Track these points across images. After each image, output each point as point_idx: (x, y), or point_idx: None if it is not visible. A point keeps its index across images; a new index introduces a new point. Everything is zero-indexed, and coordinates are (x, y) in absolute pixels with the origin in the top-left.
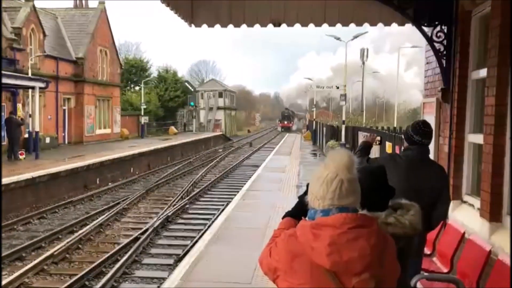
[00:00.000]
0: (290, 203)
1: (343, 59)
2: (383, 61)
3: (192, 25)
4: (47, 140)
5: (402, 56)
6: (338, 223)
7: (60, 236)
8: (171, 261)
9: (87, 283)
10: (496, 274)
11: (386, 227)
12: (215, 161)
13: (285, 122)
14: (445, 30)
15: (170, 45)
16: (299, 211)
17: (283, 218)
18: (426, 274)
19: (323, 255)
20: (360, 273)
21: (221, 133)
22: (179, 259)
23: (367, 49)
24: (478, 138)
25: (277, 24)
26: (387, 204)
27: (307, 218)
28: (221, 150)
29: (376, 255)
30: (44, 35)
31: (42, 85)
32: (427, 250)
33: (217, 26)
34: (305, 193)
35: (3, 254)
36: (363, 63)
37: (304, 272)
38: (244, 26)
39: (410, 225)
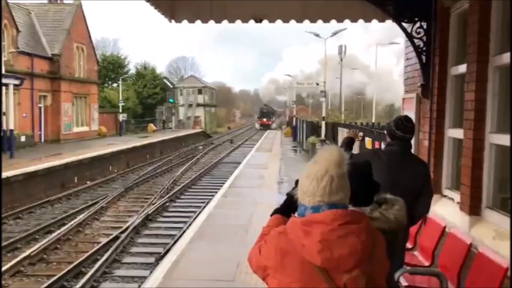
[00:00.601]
0: (272, 199)
1: (332, 51)
2: (380, 55)
3: (172, 20)
4: (23, 138)
5: (393, 51)
6: (328, 220)
7: (37, 237)
8: (152, 259)
9: (65, 283)
10: (476, 267)
11: (371, 222)
12: (196, 158)
13: (264, 120)
14: (425, 27)
15: (148, 42)
16: (288, 207)
17: (271, 215)
18: (408, 268)
19: (314, 252)
20: (351, 270)
21: (201, 130)
22: (160, 257)
23: (345, 46)
24: (458, 133)
25: (258, 20)
26: (372, 199)
27: (296, 215)
28: (201, 147)
29: (366, 251)
30: (18, 30)
31: (16, 82)
32: (408, 244)
33: (198, 22)
34: (293, 189)
35: None
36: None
37: (294, 270)
38: (225, 22)
39: (395, 220)
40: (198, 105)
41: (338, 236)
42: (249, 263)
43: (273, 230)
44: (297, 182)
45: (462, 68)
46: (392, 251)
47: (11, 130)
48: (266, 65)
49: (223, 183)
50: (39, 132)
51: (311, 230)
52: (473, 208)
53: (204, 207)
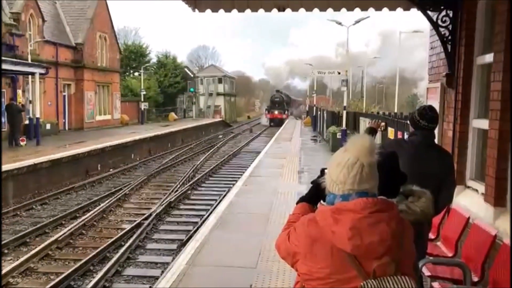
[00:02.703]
0: (292, 188)
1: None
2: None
3: (196, 10)
4: (48, 126)
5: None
6: (359, 208)
7: (63, 222)
8: (174, 246)
9: (91, 268)
10: (501, 258)
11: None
12: (216, 147)
13: (276, 112)
14: (451, 15)
15: (169, 31)
16: (314, 196)
17: (297, 203)
18: (431, 258)
19: (344, 239)
20: (380, 257)
21: (221, 119)
22: (183, 244)
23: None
24: (483, 124)
25: (281, 9)
26: (399, 190)
27: (325, 203)
28: (221, 136)
29: (396, 239)
30: (43, 20)
31: (42, 71)
32: (431, 235)
33: (221, 11)
34: (318, 178)
35: (7, 240)
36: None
37: (324, 256)
38: (248, 11)
39: (421, 212)
40: (218, 94)
41: (368, 224)
42: (277, 249)
43: (302, 218)
44: (322, 171)
45: (489, 58)
46: (417, 242)
47: (37, 118)
48: (286, 54)
49: (243, 172)
50: (63, 120)
51: (341, 217)
52: (498, 199)
53: (225, 195)
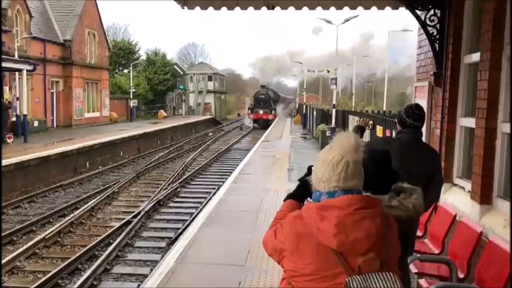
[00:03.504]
0: (282, 186)
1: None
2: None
3: (185, 7)
4: (36, 123)
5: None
6: (344, 205)
7: (51, 220)
8: (163, 244)
9: (80, 266)
10: (486, 255)
11: (389, 210)
12: (206, 144)
13: (261, 112)
14: (438, 14)
15: (159, 28)
16: (301, 193)
17: (284, 200)
18: (418, 255)
19: (330, 236)
20: (365, 253)
21: (211, 116)
22: (172, 242)
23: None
24: (470, 122)
25: (270, 7)
26: (391, 187)
27: (311, 200)
28: (211, 133)
29: (380, 235)
30: (31, 16)
31: (30, 67)
32: (418, 232)
33: (210, 8)
34: (306, 175)
35: None
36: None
37: (310, 253)
38: (237, 9)
39: (413, 209)
40: (208, 91)
41: (354, 220)
42: (264, 246)
43: (288, 215)
44: (309, 168)
45: (476, 57)
46: (409, 239)
47: (25, 115)
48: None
49: (233, 169)
50: (52, 117)
51: (327, 214)
52: (484, 197)
53: (215, 192)
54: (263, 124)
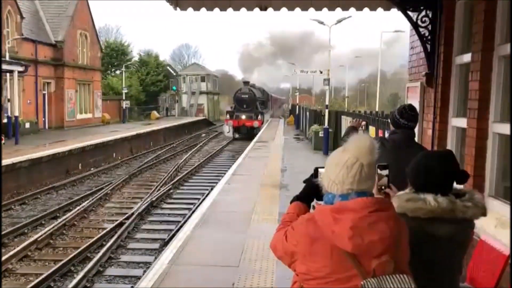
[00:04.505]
0: (275, 187)
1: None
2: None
3: (177, 8)
4: (27, 125)
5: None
6: (358, 207)
7: (43, 222)
8: (156, 245)
9: (72, 268)
10: (478, 254)
11: (466, 210)
12: (199, 145)
13: (243, 117)
14: (430, 15)
15: (152, 29)
16: (308, 195)
17: (291, 202)
18: None
19: (345, 238)
20: (380, 255)
21: (204, 117)
22: (165, 243)
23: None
24: (462, 122)
25: (263, 8)
26: (451, 188)
27: (323, 203)
28: (204, 134)
29: (394, 237)
30: (22, 17)
31: (21, 69)
32: None
33: (203, 9)
34: (311, 177)
35: None
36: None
37: (323, 256)
38: (230, 9)
39: (483, 207)
40: (201, 92)
41: (369, 223)
42: (273, 249)
43: (300, 217)
44: (316, 170)
45: (467, 57)
46: (467, 242)
47: (16, 117)
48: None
49: (227, 170)
50: (43, 119)
51: (341, 217)
52: None
53: (208, 193)
54: (246, 134)
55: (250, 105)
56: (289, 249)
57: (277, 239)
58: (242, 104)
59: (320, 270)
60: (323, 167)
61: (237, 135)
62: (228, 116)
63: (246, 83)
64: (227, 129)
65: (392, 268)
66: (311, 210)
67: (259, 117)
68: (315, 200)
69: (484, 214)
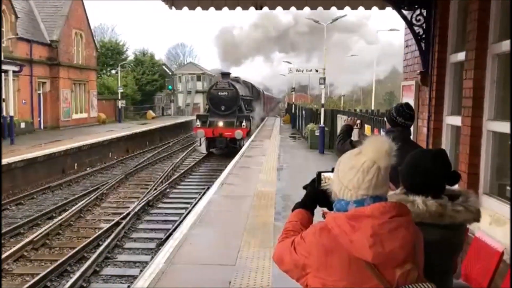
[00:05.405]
0: (272, 186)
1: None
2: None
3: (173, 7)
4: (22, 125)
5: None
6: (377, 213)
7: (39, 222)
8: (153, 245)
9: (68, 268)
10: (473, 251)
11: (456, 214)
12: (195, 145)
13: (220, 125)
14: (425, 14)
15: (147, 28)
16: (312, 202)
17: (293, 210)
18: None
19: (365, 247)
20: (402, 264)
21: None
22: (161, 243)
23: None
24: (456, 120)
25: (258, 7)
26: (444, 189)
27: (334, 210)
28: None
29: (413, 244)
30: (16, 16)
31: (16, 68)
32: None
33: (198, 8)
34: (313, 182)
35: None
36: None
37: (340, 267)
38: (225, 9)
39: (477, 211)
40: (197, 91)
41: (389, 229)
42: (278, 262)
43: (311, 227)
44: (318, 174)
45: (461, 56)
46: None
47: (11, 117)
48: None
49: (223, 170)
50: (39, 119)
51: (359, 224)
52: None
53: (204, 193)
54: (225, 147)
55: (231, 107)
56: (299, 261)
57: (283, 251)
58: (218, 105)
59: (337, 283)
60: (326, 171)
61: (213, 150)
62: (198, 122)
63: (225, 75)
64: (201, 144)
65: (416, 276)
66: (320, 219)
67: (244, 123)
68: (319, 207)
69: (476, 219)
